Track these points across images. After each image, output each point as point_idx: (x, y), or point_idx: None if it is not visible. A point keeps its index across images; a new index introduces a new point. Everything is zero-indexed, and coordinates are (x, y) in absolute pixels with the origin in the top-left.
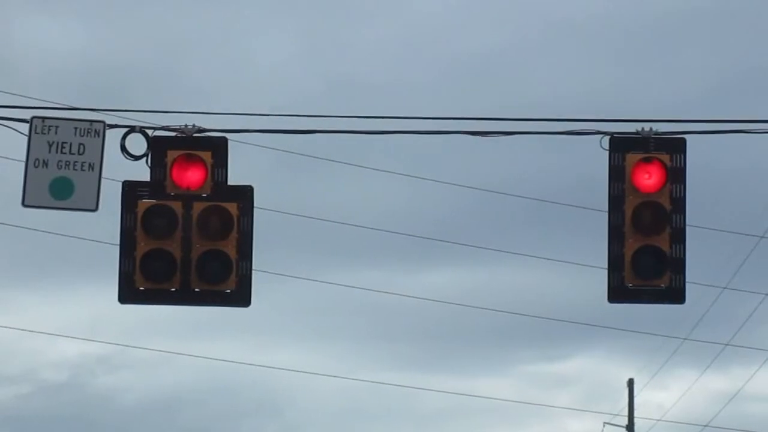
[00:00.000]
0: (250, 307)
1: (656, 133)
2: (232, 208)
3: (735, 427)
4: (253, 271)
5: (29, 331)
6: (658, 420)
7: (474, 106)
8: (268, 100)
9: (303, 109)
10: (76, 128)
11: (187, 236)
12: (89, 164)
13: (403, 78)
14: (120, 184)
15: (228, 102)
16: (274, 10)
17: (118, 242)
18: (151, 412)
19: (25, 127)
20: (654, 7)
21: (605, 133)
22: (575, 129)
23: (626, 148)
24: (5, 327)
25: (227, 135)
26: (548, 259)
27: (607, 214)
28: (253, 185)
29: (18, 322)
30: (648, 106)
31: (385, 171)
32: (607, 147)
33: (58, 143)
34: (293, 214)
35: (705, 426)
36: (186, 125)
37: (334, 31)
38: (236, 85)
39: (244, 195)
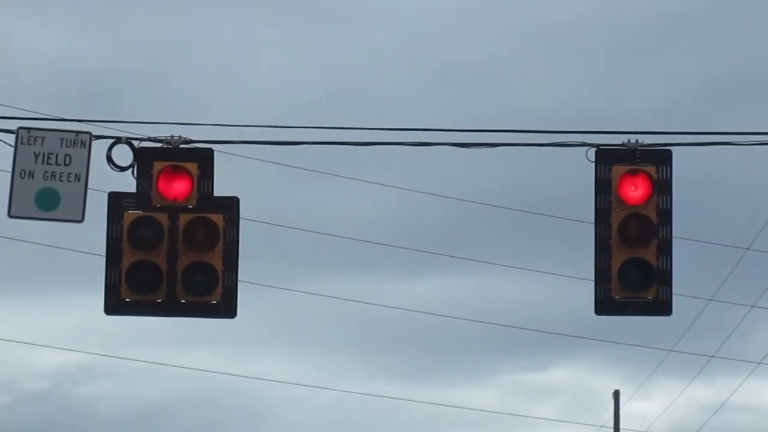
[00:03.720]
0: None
1: (642, 145)
2: (218, 219)
3: None
4: (238, 282)
5: (11, 340)
6: (644, 431)
7: (460, 114)
8: (257, 107)
9: (291, 119)
10: (62, 139)
11: (173, 248)
12: (75, 175)
13: (391, 86)
14: (106, 195)
15: (217, 110)
16: (264, 18)
17: (104, 253)
18: (134, 422)
19: (11, 138)
20: (641, 14)
21: (591, 145)
22: (561, 141)
23: (612, 160)
24: None
25: (213, 146)
26: (533, 270)
27: (593, 226)
28: (239, 196)
29: (0, 331)
30: (634, 114)
31: (370, 182)
32: (593, 159)
33: (44, 154)
34: (279, 225)
35: None
36: (172, 136)
37: (322, 40)
38: (225, 93)
39: (230, 206)
